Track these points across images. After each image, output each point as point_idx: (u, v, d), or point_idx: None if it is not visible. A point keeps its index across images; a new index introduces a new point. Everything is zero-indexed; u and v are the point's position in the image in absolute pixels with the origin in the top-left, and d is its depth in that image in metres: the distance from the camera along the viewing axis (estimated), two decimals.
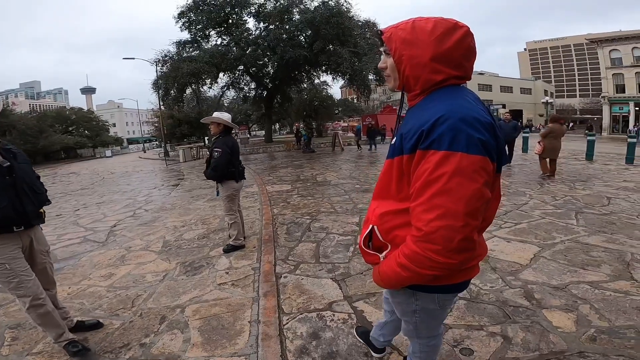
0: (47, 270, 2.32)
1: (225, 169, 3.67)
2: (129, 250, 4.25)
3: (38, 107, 60.27)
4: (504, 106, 32.79)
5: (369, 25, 21.85)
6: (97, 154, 47.23)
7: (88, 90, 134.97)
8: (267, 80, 23.90)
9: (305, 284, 2.94)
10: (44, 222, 2.27)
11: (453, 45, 0.96)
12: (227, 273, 3.31)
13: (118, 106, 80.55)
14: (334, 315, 2.45)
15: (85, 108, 63.97)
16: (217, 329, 2.39)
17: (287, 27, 19.29)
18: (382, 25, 22.43)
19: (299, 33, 19.62)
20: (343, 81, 23.85)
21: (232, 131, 4.08)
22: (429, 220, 0.89)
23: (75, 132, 46.23)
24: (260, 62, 20.97)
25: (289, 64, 19.23)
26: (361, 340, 2.07)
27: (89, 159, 41.20)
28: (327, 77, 27.72)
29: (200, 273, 3.36)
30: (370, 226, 1.13)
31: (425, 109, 0.97)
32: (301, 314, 2.50)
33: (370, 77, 21.11)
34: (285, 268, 3.31)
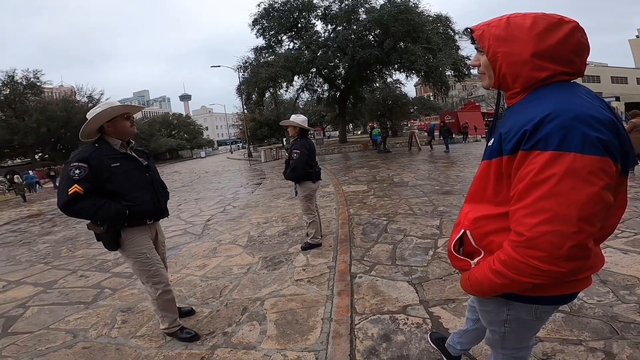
0: (165, 260, 2.58)
1: (303, 170, 3.82)
2: (220, 243, 4.71)
3: (148, 114, 70.39)
4: (617, 99, 27.78)
5: (441, 20, 20.65)
6: (194, 155, 53.39)
7: (185, 97, 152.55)
8: (340, 81, 24.12)
9: (379, 286, 2.92)
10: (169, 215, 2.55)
11: (559, 41, 0.90)
12: (304, 270, 3.44)
13: (209, 111, 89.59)
14: (407, 318, 2.40)
15: (184, 114, 72.61)
16: (291, 324, 2.50)
17: (354, 27, 19.26)
18: (455, 19, 21.12)
19: (367, 32, 19.42)
20: (418, 79, 22.93)
21: (309, 133, 4.23)
22: (533, 224, 0.83)
23: (177, 136, 53.04)
24: (332, 64, 21.21)
25: (360, 64, 19.17)
26: (435, 347, 1.99)
27: (188, 160, 46.80)
28: (400, 76, 26.87)
29: (280, 268, 3.55)
30: (462, 231, 1.09)
31: (528, 107, 0.92)
32: (374, 315, 2.49)
33: (448, 73, 19.85)
34: (361, 268, 3.32)
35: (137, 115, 59.83)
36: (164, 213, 2.44)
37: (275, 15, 20.91)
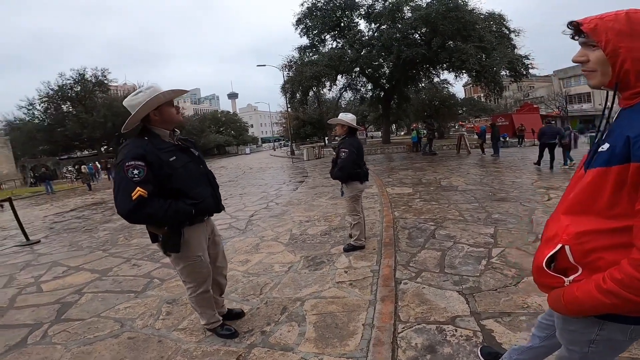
0: (223, 251, 2.48)
1: (350, 170, 3.71)
2: (262, 239, 4.73)
3: (199, 111, 74.39)
4: None
5: (494, 18, 19.43)
6: (239, 152, 55.61)
7: (232, 96, 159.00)
8: (384, 81, 23.64)
9: (426, 294, 2.75)
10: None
11: None
12: (345, 272, 3.33)
13: (254, 109, 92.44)
14: (456, 330, 2.22)
15: (231, 111, 75.71)
16: (330, 327, 2.40)
17: (399, 26, 18.65)
18: (510, 17, 19.70)
19: (413, 31, 18.75)
20: (468, 79, 21.75)
21: (357, 132, 4.11)
22: None
23: (225, 132, 55.51)
24: (376, 63, 20.83)
25: (405, 63, 18.61)
26: None
27: (234, 156, 48.78)
28: (448, 75, 25.76)
29: (321, 269, 3.47)
30: (560, 245, 0.98)
31: None
32: (419, 324, 2.34)
33: (503, 72, 18.60)
34: (406, 274, 3.15)
35: (189, 112, 63.49)
36: (220, 206, 2.27)
37: (318, 15, 20.99)
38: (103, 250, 5.10)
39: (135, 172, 1.78)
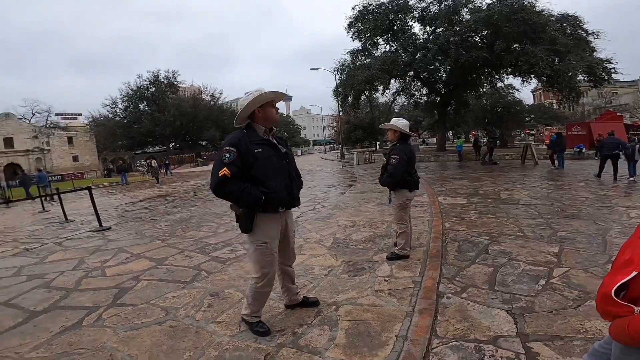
0: (293, 248, 2.63)
1: (401, 177, 3.61)
2: (306, 241, 4.77)
3: None
4: None
5: (568, 19, 17.65)
6: None
7: (287, 98, 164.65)
8: (440, 85, 22.71)
9: (470, 310, 2.57)
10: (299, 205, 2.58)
11: None
12: (386, 281, 3.23)
13: (307, 112, 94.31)
14: (496, 351, 2.05)
15: (285, 113, 78.16)
16: (362, 335, 2.34)
17: (457, 28, 17.80)
18: (588, 18, 17.68)
19: (472, 34, 17.69)
20: (537, 84, 19.96)
21: (410, 139, 3.97)
22: None
23: (278, 133, 57.53)
24: (432, 67, 20.02)
25: (464, 67, 17.60)
26: None
27: None
28: (514, 80, 23.83)
29: (361, 275, 3.40)
30: (635, 273, 0.91)
31: None
32: (456, 341, 2.19)
33: (580, 77, 16.79)
34: (450, 288, 2.97)
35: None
36: (296, 202, 2.46)
37: (370, 18, 20.75)
38: (162, 240, 5.52)
39: (227, 155, 2.16)
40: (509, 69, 19.32)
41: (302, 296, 2.81)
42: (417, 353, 2.09)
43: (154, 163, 25.74)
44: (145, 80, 44.17)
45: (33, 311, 3.09)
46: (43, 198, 12.13)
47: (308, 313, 2.70)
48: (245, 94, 2.33)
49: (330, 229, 5.37)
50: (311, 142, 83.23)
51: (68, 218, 8.30)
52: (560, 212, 5.54)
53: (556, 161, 12.95)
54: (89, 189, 7.66)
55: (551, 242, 4.04)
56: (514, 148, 23.55)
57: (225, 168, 2.13)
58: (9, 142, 35.57)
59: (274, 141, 2.38)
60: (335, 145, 58.12)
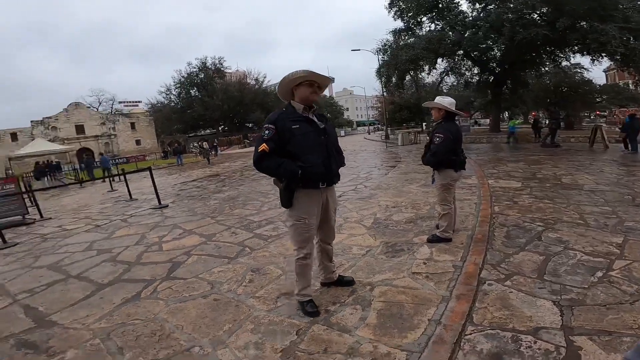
0: (333, 226, 2.68)
1: (444, 156, 3.47)
2: (346, 220, 4.80)
3: None
4: None
5: None
6: None
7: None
8: (494, 64, 20.99)
9: (512, 299, 2.45)
10: (339, 181, 2.63)
11: None
12: (424, 263, 3.17)
13: (350, 93, 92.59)
14: (534, 342, 1.95)
15: (328, 95, 77.62)
16: (394, 317, 2.34)
17: (511, 5, 16.14)
18: None
19: (530, 11, 15.99)
20: (610, 63, 17.69)
21: (456, 118, 3.78)
22: None
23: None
24: (483, 46, 18.59)
25: (521, 45, 16.01)
26: None
27: None
28: (582, 59, 21.26)
29: (399, 257, 3.36)
30: None
31: None
32: (492, 329, 2.11)
33: None
34: (494, 275, 2.84)
35: None
36: (335, 178, 2.50)
37: None
38: (211, 217, 5.88)
39: (267, 132, 2.29)
40: (575, 47, 17.36)
41: (338, 275, 2.85)
42: (448, 338, 2.05)
43: (205, 145, 27.15)
44: (195, 68, 46.33)
45: (100, 284, 3.40)
46: (109, 179, 13.45)
47: (342, 292, 2.74)
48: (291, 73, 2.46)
49: (371, 209, 5.34)
50: (354, 123, 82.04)
51: (132, 197, 9.15)
52: (631, 200, 4.95)
53: (629, 145, 11.50)
54: (150, 170, 8.32)
55: (615, 232, 3.65)
56: (581, 130, 21.19)
57: (264, 144, 2.26)
58: (80, 128, 39.47)
59: (313, 118, 2.43)
60: (379, 126, 56.78)
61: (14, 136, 36.01)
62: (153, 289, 3.16)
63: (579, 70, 24.49)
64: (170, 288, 3.13)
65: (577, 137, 16.18)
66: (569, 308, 2.28)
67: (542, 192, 5.76)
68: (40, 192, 9.26)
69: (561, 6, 14.30)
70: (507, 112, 39.86)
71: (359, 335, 2.18)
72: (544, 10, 16.03)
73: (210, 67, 46.86)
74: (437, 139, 3.45)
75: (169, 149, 37.54)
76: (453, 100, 3.60)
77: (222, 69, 48.47)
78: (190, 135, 48.32)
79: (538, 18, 16.59)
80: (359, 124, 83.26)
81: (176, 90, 47.22)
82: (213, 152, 27.66)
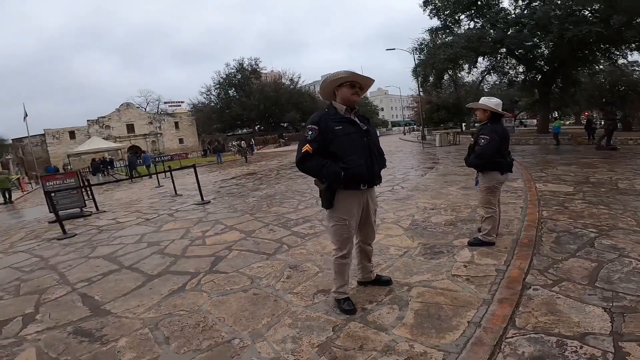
0: (374, 227, 2.67)
1: (490, 158, 3.37)
2: (382, 221, 4.76)
3: None
4: None
5: None
6: None
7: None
8: (541, 62, 19.82)
9: (559, 304, 2.34)
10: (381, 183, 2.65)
11: None
12: (465, 266, 3.09)
13: (385, 93, 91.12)
14: (580, 347, 1.88)
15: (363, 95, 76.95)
16: (432, 318, 2.31)
17: (558, 2, 15.22)
18: None
19: (580, 7, 15.02)
20: None
21: (503, 118, 3.66)
22: None
23: None
24: (529, 43, 17.57)
25: (572, 42, 15.07)
26: None
27: None
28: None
29: (438, 259, 3.30)
30: None
31: None
32: (536, 333, 2.04)
33: None
34: (540, 280, 2.72)
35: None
36: (377, 179, 2.49)
37: None
38: (250, 214, 6.08)
39: (310, 132, 2.30)
40: (633, 45, 16.04)
41: (375, 274, 2.86)
42: (488, 340, 2.00)
43: (242, 144, 28.03)
44: (232, 69, 47.95)
45: (150, 275, 3.60)
46: (156, 175, 14.29)
47: (379, 291, 2.75)
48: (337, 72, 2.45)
49: (409, 210, 5.26)
50: (389, 123, 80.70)
51: (177, 192, 9.69)
52: None
53: None
54: (194, 167, 8.76)
55: None
56: None
57: (307, 145, 2.27)
58: (130, 127, 42.19)
59: (355, 119, 2.43)
60: (414, 126, 55.40)
61: (72, 134, 39.23)
62: (197, 281, 3.30)
63: (637, 69, 22.60)
64: (213, 281, 3.27)
65: (636, 140, 14.81)
66: (621, 315, 2.16)
67: (596, 197, 5.35)
68: (95, 187, 10.04)
69: (614, 3, 13.36)
70: (556, 112, 37.36)
71: (395, 334, 2.18)
72: (595, 7, 15.04)
73: (247, 68, 48.29)
74: (483, 141, 3.36)
75: (209, 147, 39.17)
76: (499, 101, 3.48)
77: (258, 69, 49.79)
78: (228, 134, 50.06)
79: (589, 15, 15.57)
80: (394, 124, 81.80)
81: (216, 90, 49.14)
82: (250, 151, 28.52)
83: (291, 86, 50.09)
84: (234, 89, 48.75)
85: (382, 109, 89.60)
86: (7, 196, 14.01)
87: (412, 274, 3.03)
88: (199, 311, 2.70)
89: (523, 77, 22.67)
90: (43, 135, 38.96)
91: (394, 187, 7.44)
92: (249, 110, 44.87)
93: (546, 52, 18.70)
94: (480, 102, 3.53)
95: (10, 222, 8.76)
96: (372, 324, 2.31)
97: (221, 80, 48.27)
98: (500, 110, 3.44)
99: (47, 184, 7.89)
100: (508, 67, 22.64)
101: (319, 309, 2.57)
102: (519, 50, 18.87)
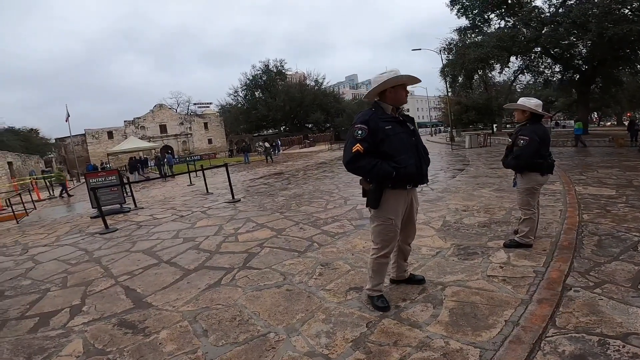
0: (415, 226, 2.69)
1: (529, 160, 3.28)
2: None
3: (357, 96, 78.15)
4: None
5: None
6: None
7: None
8: (579, 62, 18.90)
9: (602, 305, 2.28)
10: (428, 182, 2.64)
11: None
12: (501, 267, 3.03)
13: (411, 93, 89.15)
14: (623, 346, 1.85)
15: None
16: (467, 316, 2.29)
17: (595, 0, 14.23)
18: None
19: (619, 5, 14.21)
20: None
21: (542, 119, 3.57)
22: None
23: None
24: (565, 42, 16.75)
25: (612, 41, 14.32)
26: None
27: None
28: None
29: (472, 260, 3.25)
30: None
31: None
32: (577, 332, 2.01)
33: None
34: (581, 282, 2.64)
35: (348, 97, 67.24)
36: (424, 179, 2.49)
37: None
38: (280, 213, 6.20)
39: (359, 132, 2.28)
40: None
41: (409, 273, 2.86)
42: (527, 339, 1.98)
43: (267, 144, 28.57)
44: (258, 70, 48.80)
45: (187, 269, 3.72)
46: (189, 174, 14.84)
47: (413, 289, 2.75)
48: (381, 74, 2.41)
49: (440, 211, 5.18)
50: (415, 124, 79.11)
51: (209, 191, 10.01)
52: None
53: None
54: (226, 167, 9.03)
55: None
56: None
57: (358, 144, 2.25)
58: (163, 128, 43.94)
59: (402, 119, 2.44)
60: (441, 127, 54.03)
61: (110, 134, 41.42)
62: (232, 276, 3.41)
63: None
64: (247, 277, 3.36)
65: None
66: None
67: None
68: (133, 184, 10.57)
69: None
70: (596, 113, 35.35)
71: (430, 330, 2.18)
72: (635, 5, 14.25)
73: (272, 69, 49.00)
74: (522, 142, 3.28)
75: (235, 147, 40.06)
76: (539, 102, 3.40)
77: (283, 70, 50.40)
78: (254, 135, 51.03)
79: (630, 13, 14.73)
80: (420, 125, 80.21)
81: (242, 91, 50.21)
82: (274, 151, 29.01)
83: (316, 87, 50.34)
84: (260, 90, 49.59)
85: (408, 110, 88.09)
86: (63, 190, 15.13)
87: (445, 273, 3.01)
88: (235, 305, 2.78)
89: (560, 77, 21.67)
90: (83, 135, 41.46)
91: (423, 188, 7.32)
92: (274, 111, 45.54)
93: (584, 51, 17.88)
94: (518, 102, 3.46)
95: (56, 216, 9.37)
96: (406, 320, 2.32)
97: (247, 81, 49.27)
98: (540, 110, 3.36)
99: (91, 181, 8.39)
100: (543, 66, 21.73)
101: (352, 305, 2.60)
102: (555, 49, 18.13)
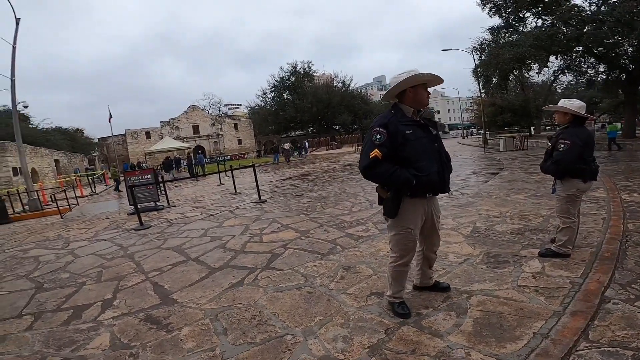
0: (439, 234, 2.57)
1: (570, 165, 3.08)
2: (441, 227, 4.53)
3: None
4: None
5: None
6: None
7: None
8: (626, 61, 17.54)
9: None
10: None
11: None
12: (534, 277, 2.86)
13: (441, 94, 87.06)
14: None
15: None
16: (493, 326, 2.18)
17: None
18: None
19: None
20: None
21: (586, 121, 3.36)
22: None
23: None
24: (610, 41, 15.65)
25: None
26: None
27: None
28: None
29: (503, 268, 3.09)
30: None
31: None
32: (611, 347, 1.87)
33: None
34: (622, 295, 2.45)
35: (376, 98, 66.51)
36: (446, 187, 2.35)
37: None
38: (305, 214, 6.22)
39: (378, 136, 2.15)
40: None
41: (434, 280, 2.76)
42: (555, 352, 1.86)
43: (286, 146, 29.02)
44: (286, 72, 49.39)
45: (213, 267, 3.80)
46: (218, 174, 15.31)
47: (436, 297, 2.66)
48: (399, 73, 2.27)
49: (470, 217, 4.98)
50: (446, 126, 76.97)
51: (237, 191, 10.25)
52: None
53: None
54: (254, 168, 9.22)
55: None
56: None
57: (376, 149, 2.12)
58: (196, 128, 45.58)
59: (423, 122, 2.31)
60: (473, 129, 52.08)
61: (147, 134, 43.61)
62: (254, 276, 3.45)
63: None
64: (269, 277, 3.38)
65: None
66: None
67: None
68: (167, 183, 11.03)
69: None
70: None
71: (451, 340, 2.10)
72: None
73: (300, 71, 49.44)
74: (563, 146, 3.07)
75: (264, 148, 40.81)
76: (582, 104, 3.18)
77: (311, 72, 50.71)
78: (282, 136, 51.71)
79: None
80: (452, 127, 77.94)
81: (271, 93, 51.03)
82: (296, 153, 29.33)
83: (343, 88, 50.28)
84: (288, 91, 50.17)
85: (439, 112, 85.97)
86: (118, 185, 16.05)
87: (472, 282, 2.89)
88: (255, 305, 2.80)
89: (605, 77, 20.28)
90: (124, 135, 43.87)
91: (453, 192, 7.10)
92: (302, 112, 45.96)
93: (630, 50, 16.66)
94: (559, 103, 3.25)
95: (95, 212, 9.96)
96: (427, 329, 2.25)
97: (276, 83, 50.02)
98: (583, 113, 3.14)
99: (129, 180, 8.84)
100: (586, 66, 20.37)
101: (372, 311, 2.55)
102: (599, 48, 16.99)
